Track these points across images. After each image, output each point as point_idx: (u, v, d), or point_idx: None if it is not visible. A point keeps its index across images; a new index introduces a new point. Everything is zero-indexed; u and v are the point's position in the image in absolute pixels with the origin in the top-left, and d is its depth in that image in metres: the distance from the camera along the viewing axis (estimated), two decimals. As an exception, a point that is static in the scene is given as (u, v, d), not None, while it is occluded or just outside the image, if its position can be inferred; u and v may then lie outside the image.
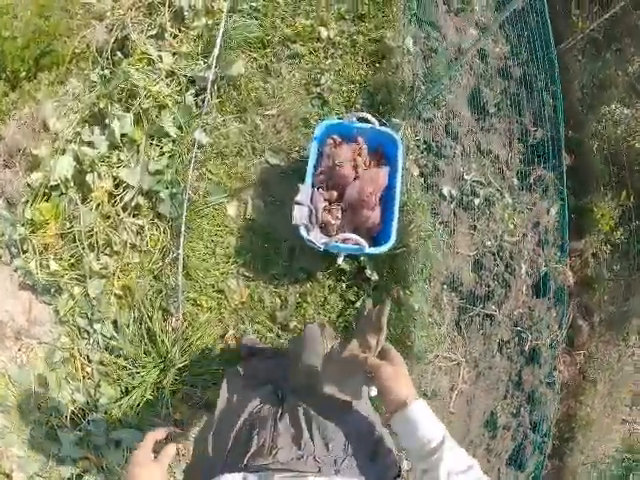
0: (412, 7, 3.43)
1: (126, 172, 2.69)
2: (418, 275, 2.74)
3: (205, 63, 2.93)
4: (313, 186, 2.54)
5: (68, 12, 3.24)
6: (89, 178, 2.69)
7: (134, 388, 2.44)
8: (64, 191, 2.77)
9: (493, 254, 3.10)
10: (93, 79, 3.03)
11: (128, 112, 2.79)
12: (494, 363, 2.99)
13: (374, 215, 2.48)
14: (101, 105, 2.86)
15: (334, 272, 2.76)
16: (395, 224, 2.36)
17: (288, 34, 3.27)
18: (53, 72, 3.14)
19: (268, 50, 3.19)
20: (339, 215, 2.53)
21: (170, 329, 2.58)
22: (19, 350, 2.68)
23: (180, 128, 2.79)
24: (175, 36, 3.05)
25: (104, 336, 2.61)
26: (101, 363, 2.58)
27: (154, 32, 3.04)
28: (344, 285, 2.75)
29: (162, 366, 2.48)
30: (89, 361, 2.59)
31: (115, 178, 2.72)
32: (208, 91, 2.77)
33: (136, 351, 2.50)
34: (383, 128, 2.57)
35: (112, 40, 3.05)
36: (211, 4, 3.09)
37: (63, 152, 2.84)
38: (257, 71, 3.15)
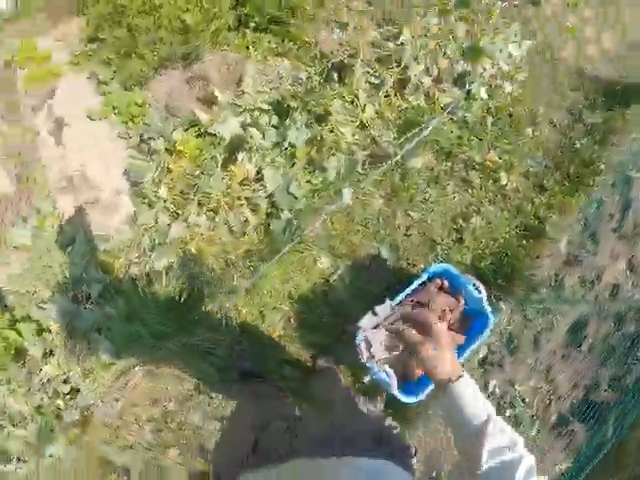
0: (586, 214, 3.42)
1: (271, 173, 2.85)
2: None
3: (395, 139, 3.04)
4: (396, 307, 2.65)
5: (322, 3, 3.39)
6: (240, 156, 2.87)
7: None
8: (215, 145, 2.97)
9: None
10: (300, 76, 3.20)
11: (307, 128, 2.94)
12: None
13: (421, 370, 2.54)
14: (291, 104, 3.01)
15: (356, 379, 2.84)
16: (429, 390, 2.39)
17: (475, 159, 3.33)
18: (275, 40, 3.36)
19: (449, 162, 3.28)
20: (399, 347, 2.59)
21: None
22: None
23: (338, 175, 2.92)
24: (387, 96, 3.17)
25: (152, 268, 2.86)
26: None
27: (374, 81, 3.16)
28: None
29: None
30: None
31: (259, 171, 2.88)
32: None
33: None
34: (486, 305, 2.62)
35: (334, 59, 3.20)
36: (435, 95, 3.20)
37: (239, 114, 3.02)
38: (425, 173, 3.24)
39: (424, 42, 3.22)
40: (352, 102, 3.07)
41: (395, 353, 2.44)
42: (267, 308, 2.89)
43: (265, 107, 3.00)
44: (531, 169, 3.48)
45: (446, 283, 2.67)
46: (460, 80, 3.23)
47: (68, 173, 3.40)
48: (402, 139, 2.99)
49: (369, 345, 2.43)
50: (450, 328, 2.66)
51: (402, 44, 3.18)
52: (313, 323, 2.92)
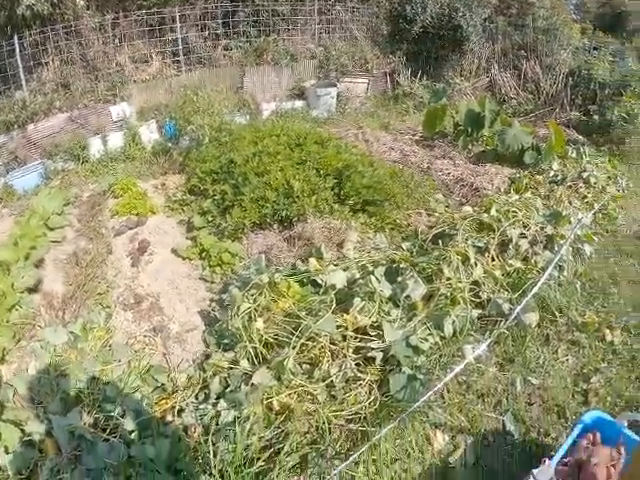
0: None
1: (388, 325, 2.67)
2: None
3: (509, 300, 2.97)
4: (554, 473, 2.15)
5: (407, 193, 3.89)
6: (355, 301, 2.77)
7: None
8: (323, 292, 2.89)
9: None
10: (402, 246, 3.34)
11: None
12: None
13: None
14: (401, 265, 3.07)
15: None
16: None
17: (577, 321, 3.24)
18: (373, 219, 3.82)
19: (554, 326, 3.17)
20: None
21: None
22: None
23: (454, 332, 2.77)
24: (492, 259, 3.24)
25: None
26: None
27: (480, 245, 3.30)
28: None
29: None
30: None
31: (374, 323, 2.71)
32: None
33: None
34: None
35: (429, 224, 3.41)
36: (531, 257, 3.28)
37: (346, 269, 3.04)
38: (537, 336, 3.09)
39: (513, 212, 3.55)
40: (463, 262, 3.13)
41: None
42: None
43: (374, 264, 3.06)
44: (630, 323, 3.34)
45: (598, 436, 2.23)
46: (550, 243, 3.39)
47: (138, 293, 3.43)
48: (514, 296, 2.91)
49: None
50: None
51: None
52: None
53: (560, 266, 3.39)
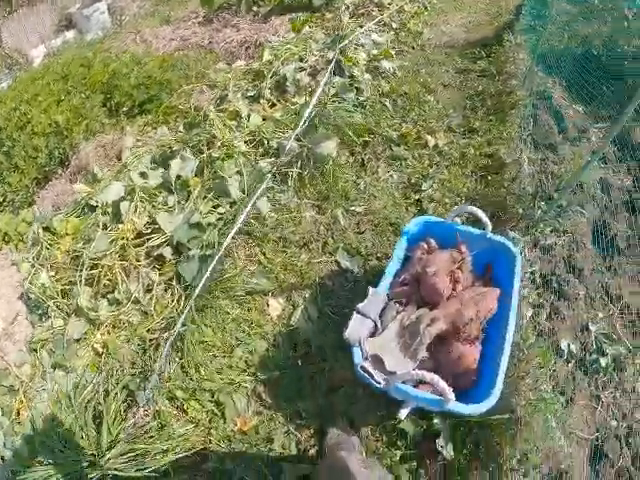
0: (528, 128, 3.08)
1: (164, 216, 2.32)
2: (519, 463, 1.85)
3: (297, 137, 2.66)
4: (389, 298, 1.92)
5: (186, 75, 3.43)
6: (123, 207, 2.35)
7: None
8: (101, 214, 2.45)
9: (619, 439, 2.17)
10: (180, 129, 2.94)
11: (194, 156, 2.53)
12: None
13: (472, 353, 1.77)
14: (174, 147, 2.65)
15: (389, 431, 1.90)
16: (502, 374, 1.63)
17: (392, 136, 3.05)
18: (150, 116, 3.35)
19: (368, 148, 2.94)
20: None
21: (130, 423, 1.87)
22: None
23: (244, 192, 2.42)
24: (273, 105, 2.91)
25: (58, 386, 2.08)
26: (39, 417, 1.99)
27: (251, 94, 2.95)
28: (399, 454, 1.83)
29: (86, 463, 1.74)
30: (29, 407, 2.04)
31: (151, 219, 2.34)
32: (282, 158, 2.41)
33: (72, 427, 1.83)
34: (497, 237, 1.98)
35: (212, 97, 3.01)
36: (316, 83, 2.96)
37: (121, 179, 2.63)
38: (352, 164, 2.86)
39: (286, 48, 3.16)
40: (236, 118, 2.76)
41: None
42: (222, 390, 1.98)
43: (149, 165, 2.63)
44: (449, 123, 3.25)
45: (433, 241, 2.05)
46: (338, 69, 3.07)
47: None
48: (298, 128, 2.59)
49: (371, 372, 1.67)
50: (472, 286, 1.97)
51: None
52: (297, 390, 2.02)
53: (357, 88, 3.12)
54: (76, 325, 2.19)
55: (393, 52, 3.76)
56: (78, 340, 2.18)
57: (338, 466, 1.43)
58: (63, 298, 2.29)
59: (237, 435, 1.89)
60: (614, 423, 2.22)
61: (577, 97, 3.87)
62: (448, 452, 1.83)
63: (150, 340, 2.10)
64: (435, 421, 1.88)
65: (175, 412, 1.93)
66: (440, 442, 1.84)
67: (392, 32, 4.14)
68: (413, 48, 4.23)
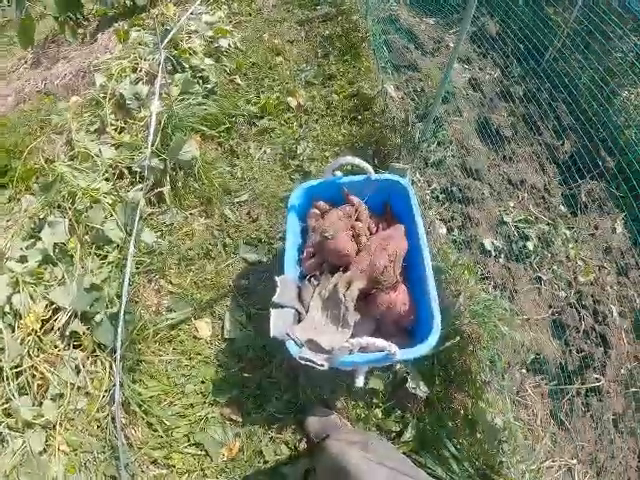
0: (384, 55, 3.01)
1: (58, 292, 2.05)
2: (490, 371, 1.84)
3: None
4: (303, 277, 1.80)
5: (30, 130, 2.98)
6: (16, 300, 2.04)
7: None
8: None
9: (573, 306, 2.25)
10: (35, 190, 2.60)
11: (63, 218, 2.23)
12: (615, 449, 1.95)
13: (399, 297, 1.70)
14: (41, 215, 2.34)
15: (361, 395, 1.88)
16: (436, 304, 1.56)
17: (253, 111, 2.87)
18: (9, 190, 2.79)
19: (233, 132, 2.75)
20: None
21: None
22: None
23: (125, 231, 2.18)
24: (121, 130, 2.62)
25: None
26: None
27: (96, 127, 2.63)
28: (379, 412, 1.83)
29: None
30: None
31: (47, 300, 2.06)
32: (148, 180, 2.18)
33: None
34: (382, 175, 1.90)
35: (59, 145, 2.66)
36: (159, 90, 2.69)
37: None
38: (222, 155, 2.68)
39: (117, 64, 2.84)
40: (88, 159, 2.47)
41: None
42: (194, 431, 1.83)
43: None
44: (306, 77, 3.12)
45: (322, 204, 1.93)
46: (178, 66, 2.83)
47: None
48: (149, 143, 2.35)
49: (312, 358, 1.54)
50: (377, 232, 1.88)
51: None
52: (261, 397, 1.90)
53: (202, 77, 2.88)
54: (34, 438, 1.91)
55: (229, 27, 3.52)
56: (44, 451, 1.90)
57: (338, 467, 1.30)
58: (8, 417, 1.98)
59: (229, 464, 1.78)
60: (562, 294, 2.29)
61: (425, 11, 3.90)
62: (422, 390, 1.83)
63: (105, 417, 1.88)
64: (398, 368, 1.87)
65: (165, 471, 1.77)
66: (410, 385, 1.83)
67: (225, 6, 3.89)
68: (250, 15, 4.02)
